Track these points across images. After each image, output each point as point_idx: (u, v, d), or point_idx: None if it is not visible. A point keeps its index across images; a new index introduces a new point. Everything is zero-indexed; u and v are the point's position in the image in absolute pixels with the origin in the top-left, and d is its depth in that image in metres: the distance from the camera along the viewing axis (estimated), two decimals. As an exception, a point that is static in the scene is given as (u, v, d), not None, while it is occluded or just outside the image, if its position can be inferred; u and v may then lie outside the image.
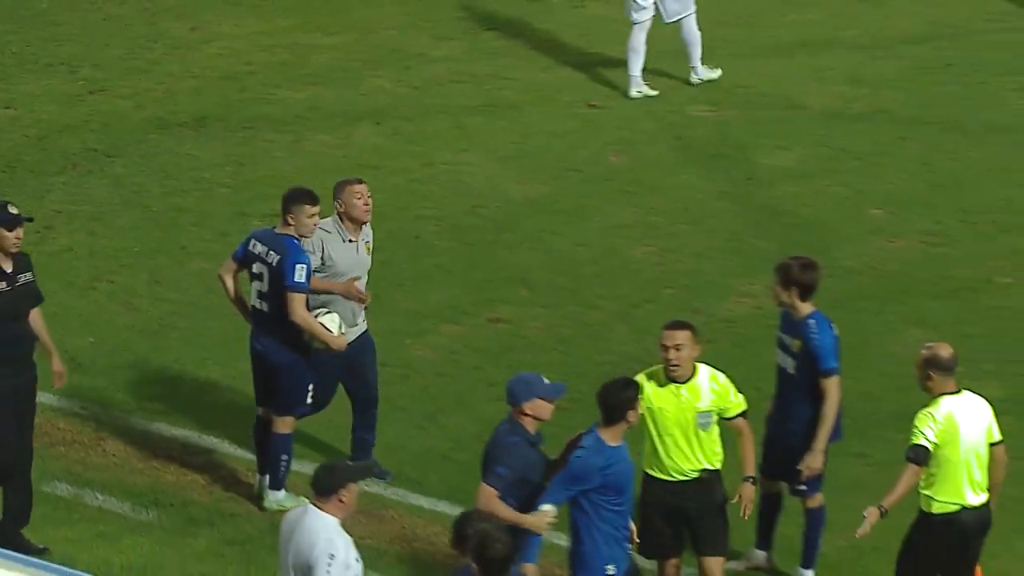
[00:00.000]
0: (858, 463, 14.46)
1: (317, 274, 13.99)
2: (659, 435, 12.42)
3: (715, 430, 12.51)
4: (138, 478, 14.50)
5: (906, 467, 12.28)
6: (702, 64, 20.14)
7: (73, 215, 18.05)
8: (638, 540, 12.40)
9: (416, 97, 20.11)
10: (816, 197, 18.30)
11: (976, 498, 12.31)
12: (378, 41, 21.27)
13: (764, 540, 13.61)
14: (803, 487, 13.27)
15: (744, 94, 20.10)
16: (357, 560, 10.90)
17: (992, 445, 12.40)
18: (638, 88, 19.93)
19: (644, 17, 19.92)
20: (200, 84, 20.32)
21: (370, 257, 14.22)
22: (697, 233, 17.77)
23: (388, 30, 21.51)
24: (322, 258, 14.03)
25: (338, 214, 14.10)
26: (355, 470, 11.23)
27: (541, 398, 12.09)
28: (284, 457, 14.12)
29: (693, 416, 12.38)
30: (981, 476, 12.33)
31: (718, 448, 12.56)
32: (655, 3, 19.92)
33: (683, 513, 12.50)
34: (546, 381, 12.17)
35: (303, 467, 14.52)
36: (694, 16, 19.99)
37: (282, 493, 14.23)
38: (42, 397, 14.37)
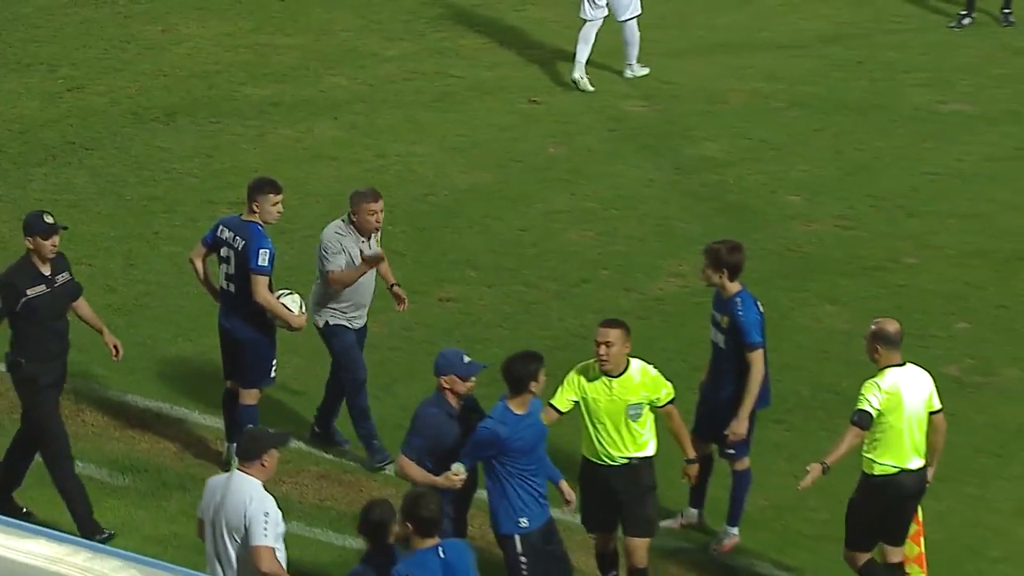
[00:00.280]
0: (778, 428, 14.49)
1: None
2: (591, 423, 12.36)
3: (647, 420, 12.40)
4: (114, 446, 14.44)
5: (849, 429, 12.28)
6: (636, 63, 20.17)
7: (53, 203, 17.92)
8: (569, 502, 12.36)
9: (370, 93, 20.06)
10: (738, 184, 18.31)
11: (914, 462, 12.31)
12: (334, 42, 21.20)
13: (697, 499, 13.60)
14: (732, 451, 13.28)
15: (672, 90, 20.11)
16: (282, 519, 11.13)
17: (932, 413, 12.40)
18: (580, 74, 19.87)
19: (599, 15, 19.91)
20: (170, 82, 20.23)
21: (379, 246, 14.14)
22: (629, 218, 17.77)
23: (343, 32, 21.44)
24: (348, 257, 13.85)
25: (350, 220, 13.91)
26: (276, 437, 11.41)
27: (456, 375, 12.08)
28: (250, 426, 14.05)
29: (623, 408, 12.29)
30: (920, 442, 12.33)
31: (649, 437, 12.42)
32: (607, 3, 19.92)
33: (614, 496, 12.44)
34: (465, 360, 12.17)
35: (268, 435, 14.48)
36: (637, 19, 20.01)
37: (248, 459, 14.16)
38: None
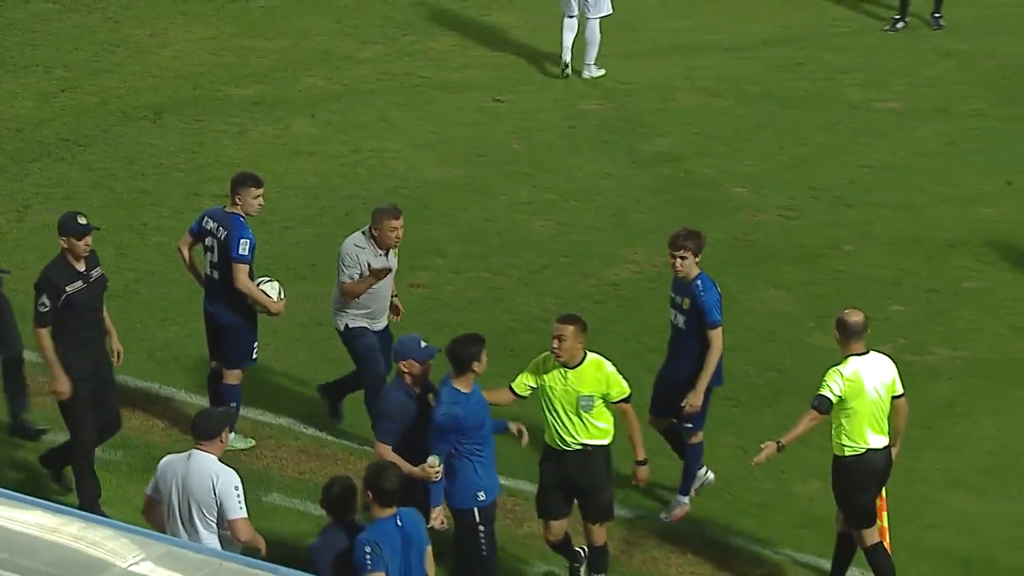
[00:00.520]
0: (726, 404, 14.50)
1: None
2: (548, 410, 12.29)
3: (601, 411, 12.26)
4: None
5: (807, 411, 12.27)
6: (594, 64, 20.16)
7: (48, 196, 17.89)
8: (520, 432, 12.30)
9: (345, 93, 20.02)
10: (689, 177, 18.33)
11: (878, 441, 12.28)
12: (311, 45, 21.15)
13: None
14: (688, 425, 13.27)
15: (627, 89, 20.11)
16: None
17: (895, 398, 12.36)
18: (589, 72, 20.07)
19: (573, 12, 19.92)
20: (157, 83, 20.16)
21: (396, 259, 13.91)
22: (587, 209, 17.77)
23: (320, 36, 21.39)
24: (362, 270, 13.66)
25: (371, 234, 13.71)
26: (229, 416, 11.59)
27: (414, 359, 12.06)
28: (233, 404, 14.04)
29: (575, 398, 12.20)
30: (883, 424, 12.30)
31: (605, 427, 12.32)
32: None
33: (570, 481, 12.32)
34: (422, 344, 12.15)
35: (250, 413, 14.46)
36: (601, 21, 20.04)
37: (232, 435, 14.12)
38: (24, 354, 14.24)
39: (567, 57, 20.11)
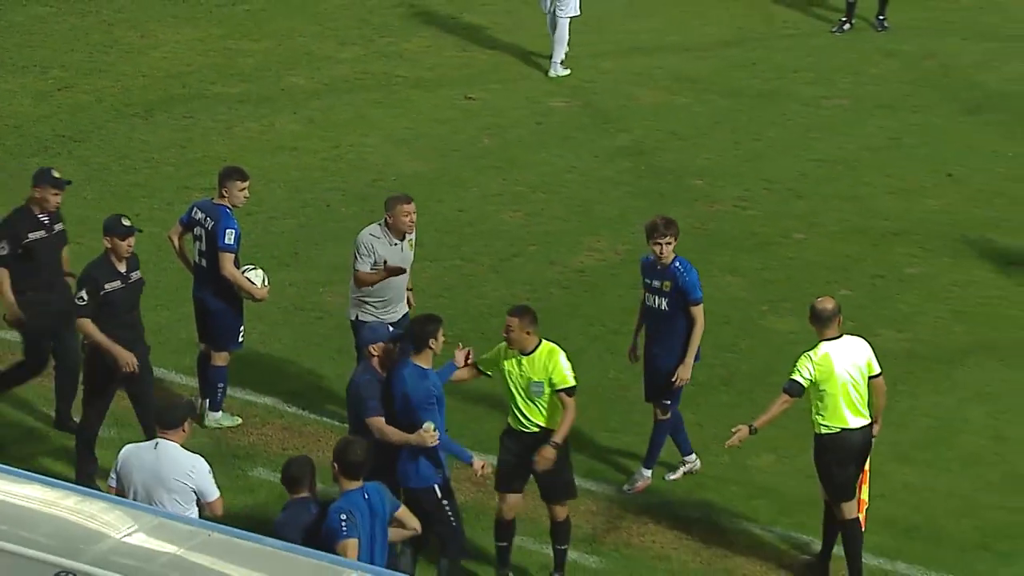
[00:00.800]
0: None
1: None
2: (507, 392, 12.24)
3: (551, 398, 12.14)
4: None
5: (779, 395, 12.24)
6: (561, 63, 20.14)
7: (46, 189, 17.80)
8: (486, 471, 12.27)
9: (326, 92, 19.96)
10: (649, 171, 18.32)
11: (855, 421, 12.24)
12: (294, 46, 21.09)
13: (688, 445, 13.54)
14: (668, 401, 13.24)
15: (592, 88, 20.10)
16: None
17: (871, 377, 12.31)
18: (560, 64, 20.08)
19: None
20: (149, 82, 20.08)
21: (412, 252, 13.68)
22: (554, 200, 17.76)
23: (302, 37, 21.33)
24: (376, 259, 13.42)
25: (386, 223, 13.50)
26: (190, 406, 11.51)
27: (382, 341, 12.03)
28: (220, 385, 14.00)
29: (527, 383, 12.15)
30: (860, 404, 12.24)
31: (555, 413, 12.20)
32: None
33: (526, 460, 12.21)
34: (390, 329, 12.12)
35: (236, 393, 14.42)
36: (571, 21, 20.02)
37: (219, 413, 14.11)
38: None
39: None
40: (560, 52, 20.10)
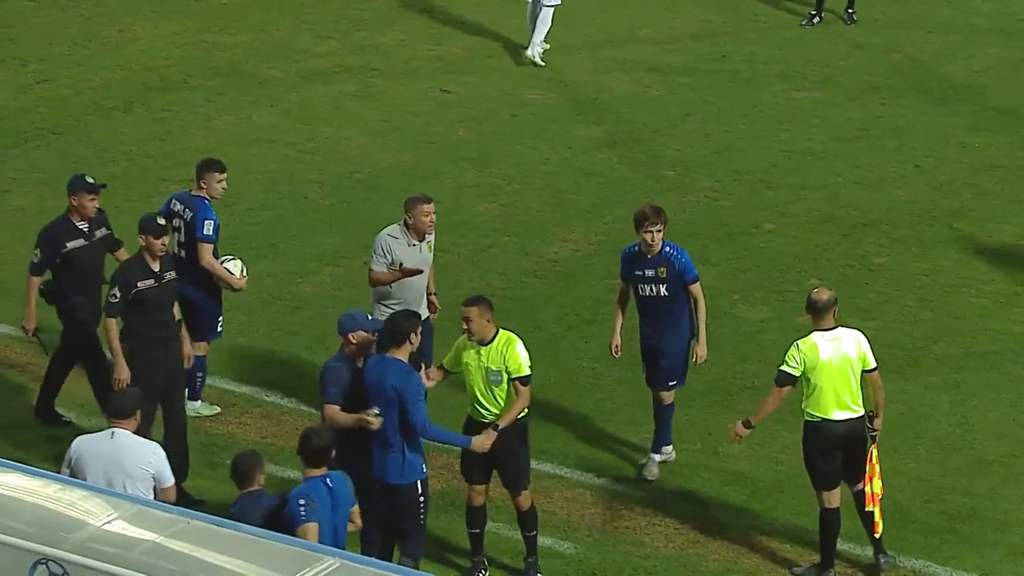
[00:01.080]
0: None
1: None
2: (468, 384, 12.23)
3: (510, 387, 12.13)
4: (82, 392, 14.27)
5: (772, 388, 12.25)
6: (539, 47, 20.04)
7: (25, 181, 17.77)
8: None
9: (302, 84, 19.93)
10: (621, 162, 18.33)
11: (839, 414, 12.19)
12: (271, 40, 21.04)
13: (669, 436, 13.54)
14: (674, 383, 13.25)
15: (564, 80, 20.10)
16: None
17: (866, 371, 12.26)
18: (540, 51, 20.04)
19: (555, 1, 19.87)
20: (127, 75, 20.03)
21: (431, 254, 13.58)
22: (528, 191, 17.76)
23: (277, 31, 21.28)
24: (392, 260, 13.30)
25: (405, 224, 13.40)
26: (140, 396, 11.48)
27: (363, 331, 12.01)
28: (200, 374, 13.98)
29: (485, 373, 12.13)
30: (848, 397, 12.18)
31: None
32: None
33: (489, 450, 12.18)
34: (369, 318, 12.10)
35: (215, 382, 14.41)
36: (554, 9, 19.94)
37: (199, 402, 14.10)
38: (2, 328, 14.15)
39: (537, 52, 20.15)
40: (542, 33, 20.11)
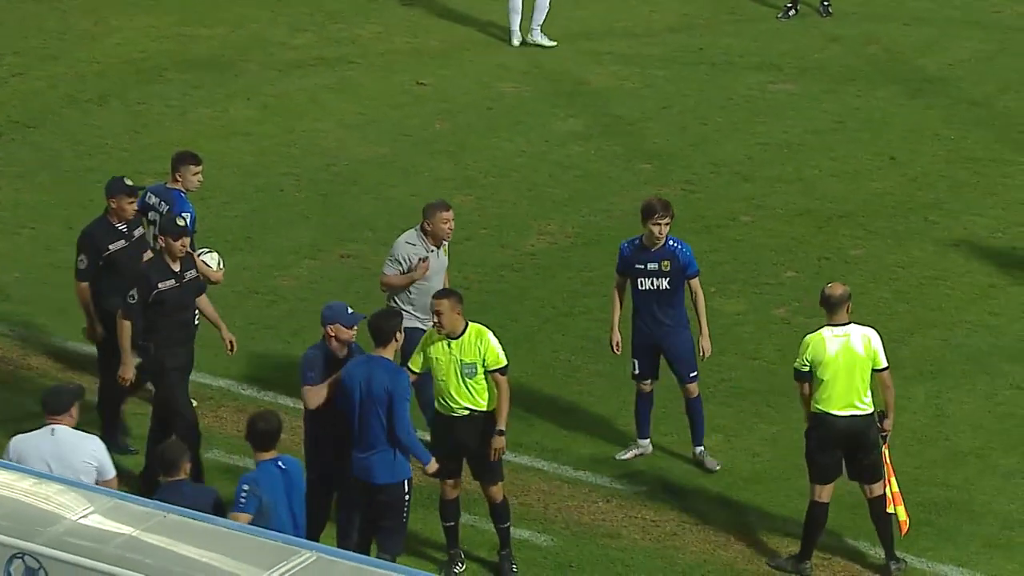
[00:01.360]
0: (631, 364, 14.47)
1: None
2: (436, 378, 12.19)
3: (482, 379, 12.11)
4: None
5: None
6: (540, 29, 20.09)
7: (0, 174, 17.68)
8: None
9: (279, 77, 19.87)
10: (598, 154, 18.32)
11: (845, 410, 12.18)
12: (247, 33, 20.98)
13: (647, 430, 13.55)
14: (694, 373, 13.25)
15: (540, 73, 20.08)
16: None
17: (877, 371, 12.25)
18: (517, 39, 20.10)
19: None
20: (103, 68, 19.95)
21: (447, 257, 13.49)
22: (505, 184, 17.74)
23: (254, 24, 21.22)
24: (409, 268, 13.15)
25: (423, 230, 13.26)
26: (77, 391, 11.49)
27: (340, 324, 11.97)
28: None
29: (458, 366, 12.11)
30: (854, 394, 12.17)
31: (486, 393, 12.16)
32: None
33: (460, 444, 12.21)
34: (349, 311, 12.08)
35: (192, 375, 14.32)
36: None
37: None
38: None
39: (516, 32, 20.18)
40: (539, 17, 20.20)
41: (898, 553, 12.56)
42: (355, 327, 12.07)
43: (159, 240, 12.95)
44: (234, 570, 9.32)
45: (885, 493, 12.29)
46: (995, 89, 19.66)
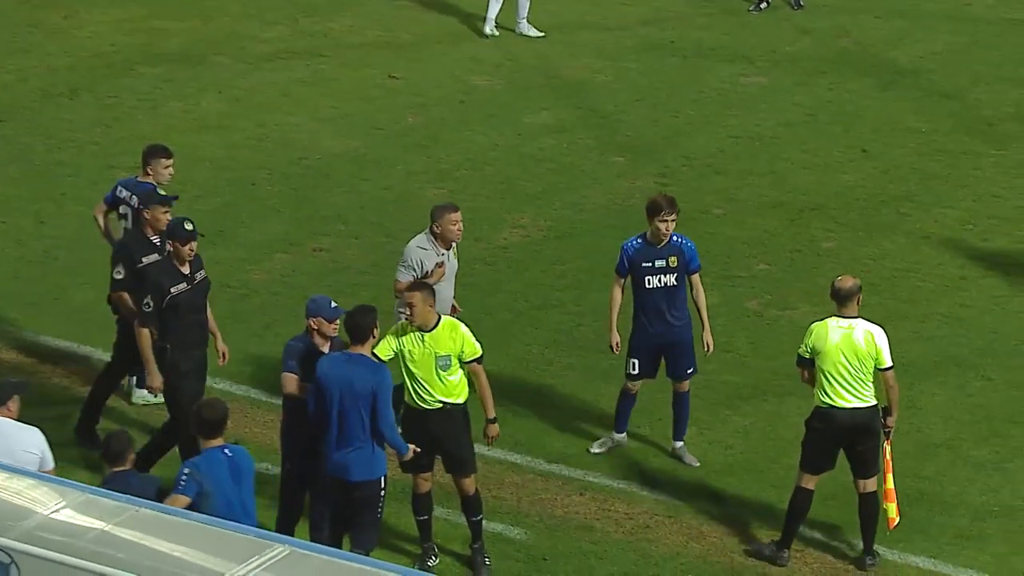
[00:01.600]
0: (607, 355, 14.49)
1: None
2: (408, 373, 12.15)
3: (456, 371, 12.11)
4: (30, 380, 14.15)
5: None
6: (526, 21, 20.19)
7: (-29, 169, 17.65)
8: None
9: (251, 71, 19.83)
10: (570, 147, 18.33)
11: (843, 402, 12.18)
12: (218, 26, 20.93)
13: (625, 424, 13.58)
14: (691, 370, 13.28)
15: (512, 66, 20.08)
16: None
17: (880, 370, 12.24)
18: (491, 28, 20.19)
19: None
20: (73, 61, 19.88)
21: (456, 260, 13.43)
22: (477, 177, 17.73)
23: (226, 17, 21.18)
24: (418, 275, 13.04)
25: (432, 233, 13.18)
26: (19, 385, 11.51)
27: (323, 317, 11.98)
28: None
29: (433, 359, 12.09)
30: (855, 388, 12.16)
31: (460, 388, 12.16)
32: None
33: (433, 437, 12.18)
34: (332, 305, 12.07)
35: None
36: None
37: (145, 390, 13.99)
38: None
39: (494, 29, 20.24)
40: (524, 9, 20.23)
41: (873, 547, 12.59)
42: (337, 321, 12.05)
43: (169, 244, 12.90)
44: (207, 564, 9.30)
45: (878, 489, 12.30)
46: (967, 82, 19.73)
